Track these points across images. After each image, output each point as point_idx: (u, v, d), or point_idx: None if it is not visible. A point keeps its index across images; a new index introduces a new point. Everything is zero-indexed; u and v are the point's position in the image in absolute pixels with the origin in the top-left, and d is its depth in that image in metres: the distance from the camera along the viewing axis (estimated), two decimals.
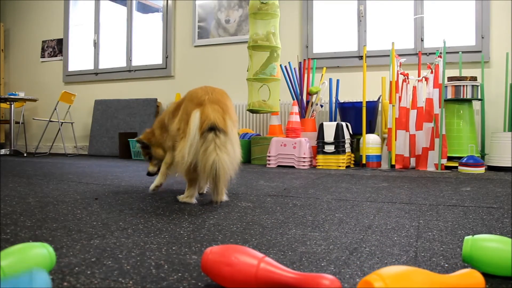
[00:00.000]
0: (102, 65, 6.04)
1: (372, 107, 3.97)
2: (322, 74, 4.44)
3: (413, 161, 3.67)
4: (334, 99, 4.34)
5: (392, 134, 3.66)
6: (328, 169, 3.56)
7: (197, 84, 5.27)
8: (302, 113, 4.18)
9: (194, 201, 1.77)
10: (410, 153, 3.66)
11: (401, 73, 3.70)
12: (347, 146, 3.74)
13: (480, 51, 4.11)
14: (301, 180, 2.67)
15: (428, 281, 0.68)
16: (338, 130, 3.66)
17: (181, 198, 1.82)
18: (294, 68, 4.30)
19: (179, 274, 0.86)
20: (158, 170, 2.07)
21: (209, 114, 1.62)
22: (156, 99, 5.40)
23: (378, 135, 3.97)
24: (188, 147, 1.60)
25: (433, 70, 3.61)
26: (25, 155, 5.38)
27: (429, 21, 4.38)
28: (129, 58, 5.79)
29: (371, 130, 3.97)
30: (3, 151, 5.49)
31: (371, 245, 1.10)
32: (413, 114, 3.67)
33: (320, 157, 3.72)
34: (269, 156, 3.85)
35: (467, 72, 4.04)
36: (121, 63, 5.87)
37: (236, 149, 1.70)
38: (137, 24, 5.86)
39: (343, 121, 4.05)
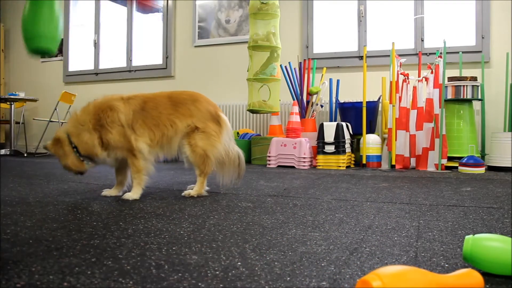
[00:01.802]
0: (103, 65, 6.04)
1: (372, 107, 3.97)
2: (322, 74, 4.44)
3: (413, 161, 3.67)
4: (334, 99, 4.34)
5: (392, 134, 3.66)
6: (328, 169, 3.56)
7: (198, 84, 5.28)
8: (302, 113, 4.18)
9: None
10: (410, 153, 3.66)
11: (401, 73, 3.70)
12: (347, 146, 3.74)
13: (480, 51, 4.11)
14: (301, 180, 2.67)
15: (426, 280, 0.68)
16: (338, 130, 3.66)
17: (195, 192, 1.96)
18: (294, 68, 4.30)
19: (179, 274, 0.86)
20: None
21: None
22: None
23: (378, 135, 3.97)
24: (225, 142, 1.98)
25: (433, 70, 3.61)
26: (25, 155, 5.38)
27: (429, 21, 4.38)
28: (129, 58, 5.79)
29: (371, 130, 3.97)
30: (3, 151, 5.49)
31: (371, 245, 1.10)
32: (413, 114, 3.67)
33: (320, 157, 3.72)
34: (269, 156, 3.85)
35: (467, 72, 4.04)
36: (122, 63, 5.87)
37: None
38: (137, 24, 5.86)
39: (343, 121, 4.05)
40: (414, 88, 3.69)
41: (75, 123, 1.86)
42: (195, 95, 2.00)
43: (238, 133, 4.56)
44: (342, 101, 4.30)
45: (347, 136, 3.75)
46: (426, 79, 3.67)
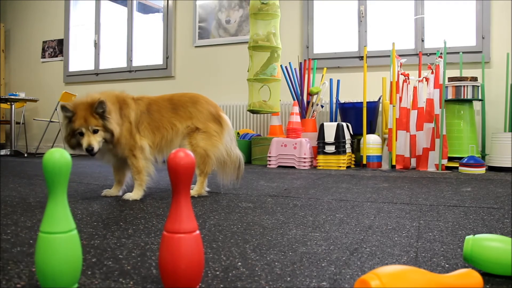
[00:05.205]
0: (103, 66, 6.04)
1: (373, 107, 3.97)
2: (323, 75, 4.44)
3: (413, 162, 3.67)
4: (334, 100, 4.34)
5: (392, 134, 3.66)
6: (328, 170, 3.56)
7: (198, 85, 5.28)
8: (303, 114, 4.18)
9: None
10: (410, 153, 3.66)
11: (401, 74, 3.70)
12: (348, 146, 3.74)
13: (480, 52, 4.11)
14: (302, 181, 2.67)
15: (425, 280, 0.68)
16: (339, 131, 3.66)
17: (195, 192, 1.98)
18: (295, 69, 4.30)
19: None
20: None
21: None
22: None
23: (378, 135, 3.97)
24: (226, 142, 1.99)
25: (434, 71, 3.61)
26: (25, 155, 5.38)
27: (429, 21, 4.38)
28: (129, 59, 5.79)
29: (371, 130, 3.97)
30: (3, 152, 5.50)
31: (371, 246, 1.10)
32: (413, 114, 3.67)
33: (320, 157, 3.72)
34: (269, 157, 3.85)
35: (467, 73, 4.04)
36: (122, 63, 5.87)
37: None
38: (138, 25, 5.87)
39: (344, 121, 4.05)
40: (415, 88, 3.69)
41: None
42: (195, 97, 2.02)
43: (238, 133, 4.56)
44: (343, 101, 4.30)
45: (347, 136, 3.75)
46: (427, 79, 3.67)
